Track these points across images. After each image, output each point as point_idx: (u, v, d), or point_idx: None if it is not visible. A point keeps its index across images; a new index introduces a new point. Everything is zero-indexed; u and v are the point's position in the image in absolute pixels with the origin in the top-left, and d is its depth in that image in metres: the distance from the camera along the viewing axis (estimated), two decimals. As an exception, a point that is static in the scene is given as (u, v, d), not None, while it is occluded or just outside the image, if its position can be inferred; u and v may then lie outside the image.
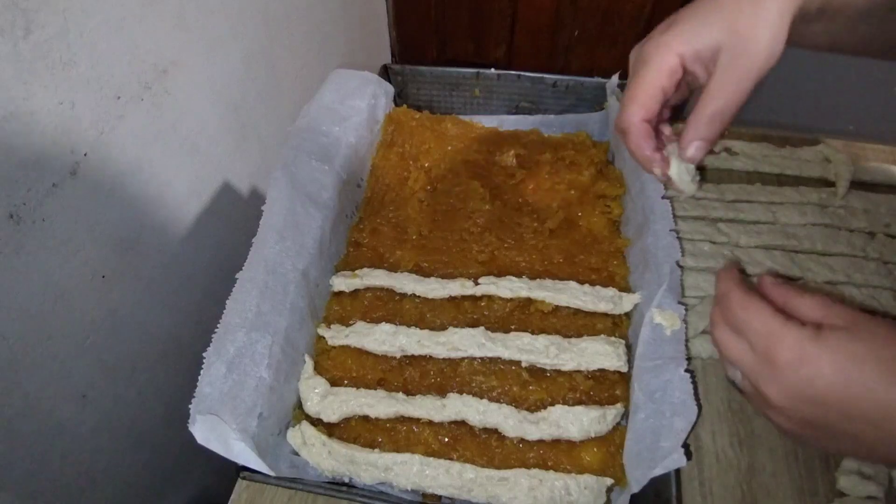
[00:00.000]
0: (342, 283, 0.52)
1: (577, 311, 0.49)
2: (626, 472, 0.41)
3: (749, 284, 0.33)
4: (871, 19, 0.37)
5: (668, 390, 0.39)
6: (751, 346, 0.31)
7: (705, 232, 0.59)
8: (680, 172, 0.39)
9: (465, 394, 0.45)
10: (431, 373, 0.47)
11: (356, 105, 0.59)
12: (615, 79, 0.61)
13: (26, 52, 0.35)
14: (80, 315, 0.45)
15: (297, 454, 0.44)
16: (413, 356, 0.48)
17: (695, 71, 0.36)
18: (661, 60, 0.36)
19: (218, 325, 0.43)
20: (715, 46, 0.35)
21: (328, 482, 0.44)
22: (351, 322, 0.50)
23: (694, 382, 0.40)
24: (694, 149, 0.37)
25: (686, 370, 0.40)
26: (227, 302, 0.44)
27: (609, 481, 0.41)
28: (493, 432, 0.44)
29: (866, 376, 0.27)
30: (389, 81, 0.64)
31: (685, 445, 0.37)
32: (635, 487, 0.38)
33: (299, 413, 0.46)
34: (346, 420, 0.46)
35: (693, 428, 0.37)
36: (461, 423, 0.44)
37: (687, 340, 0.43)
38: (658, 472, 0.37)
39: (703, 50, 0.35)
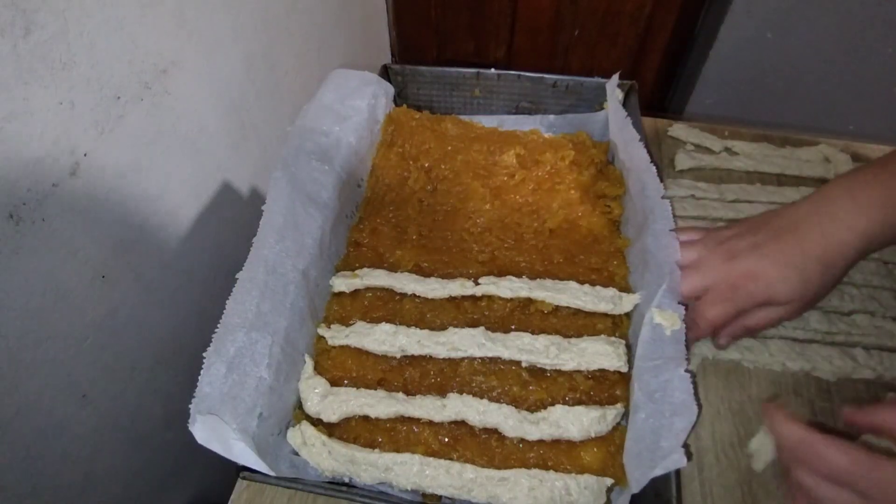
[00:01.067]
0: (342, 283, 0.52)
1: (578, 312, 0.49)
2: (626, 473, 0.40)
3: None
4: None
5: (668, 390, 0.39)
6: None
7: (705, 232, 0.59)
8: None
9: (465, 394, 0.45)
10: (431, 373, 0.47)
11: (356, 105, 0.58)
12: (615, 79, 0.61)
13: (26, 53, 0.35)
14: (79, 315, 0.45)
15: (297, 454, 0.44)
16: (413, 356, 0.48)
17: None
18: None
19: (218, 325, 0.43)
20: None
21: (328, 482, 0.44)
22: (351, 322, 0.50)
23: (694, 382, 0.40)
24: (724, 340, 0.47)
25: (686, 370, 0.40)
26: (227, 302, 0.44)
27: (609, 481, 0.41)
28: (493, 432, 0.44)
29: None
30: (389, 81, 0.64)
31: (685, 446, 0.37)
32: (635, 488, 0.38)
33: (299, 413, 0.46)
34: (346, 420, 0.46)
35: (693, 428, 0.37)
36: (461, 423, 0.44)
37: (688, 341, 0.43)
38: (658, 472, 0.37)
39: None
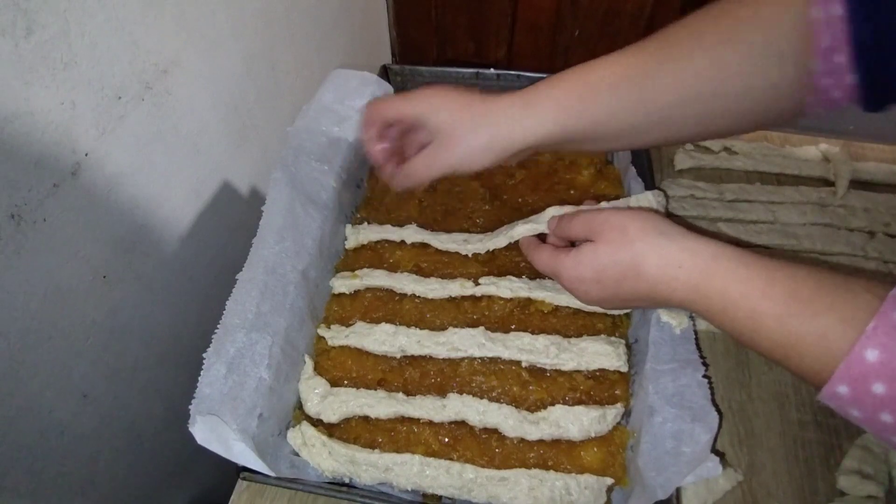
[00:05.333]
0: (342, 284, 0.52)
1: (577, 311, 0.49)
2: (644, 477, 0.39)
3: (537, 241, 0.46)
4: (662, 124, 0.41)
5: (687, 395, 0.39)
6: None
7: (705, 232, 0.59)
8: None
9: (465, 394, 0.45)
10: (431, 373, 0.47)
11: (356, 105, 0.59)
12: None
13: (27, 53, 0.35)
14: (80, 315, 0.45)
15: (297, 454, 0.44)
16: (413, 356, 0.48)
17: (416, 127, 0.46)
18: (398, 105, 0.46)
19: (218, 326, 0.43)
20: (440, 126, 0.43)
21: (328, 482, 0.44)
22: (351, 322, 0.50)
23: (711, 387, 0.40)
24: (397, 182, 0.47)
25: (704, 375, 0.40)
26: (227, 302, 0.44)
27: (609, 481, 0.41)
28: (494, 432, 0.44)
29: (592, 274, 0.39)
30: (389, 82, 0.64)
31: (719, 453, 0.36)
32: (661, 495, 0.37)
33: (299, 413, 0.46)
34: (347, 420, 0.46)
35: (718, 432, 0.37)
36: (461, 424, 0.44)
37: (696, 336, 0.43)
38: (690, 480, 0.37)
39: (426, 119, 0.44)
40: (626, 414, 0.44)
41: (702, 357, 0.42)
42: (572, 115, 0.41)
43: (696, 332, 0.43)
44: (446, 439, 0.44)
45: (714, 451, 0.37)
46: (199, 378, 0.40)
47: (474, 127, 0.42)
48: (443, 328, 0.48)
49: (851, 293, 0.30)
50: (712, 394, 0.39)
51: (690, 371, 0.40)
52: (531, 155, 0.45)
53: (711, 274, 0.34)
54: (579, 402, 0.44)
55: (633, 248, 0.37)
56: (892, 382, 0.27)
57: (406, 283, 0.50)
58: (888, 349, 0.27)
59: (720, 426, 0.37)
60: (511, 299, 0.49)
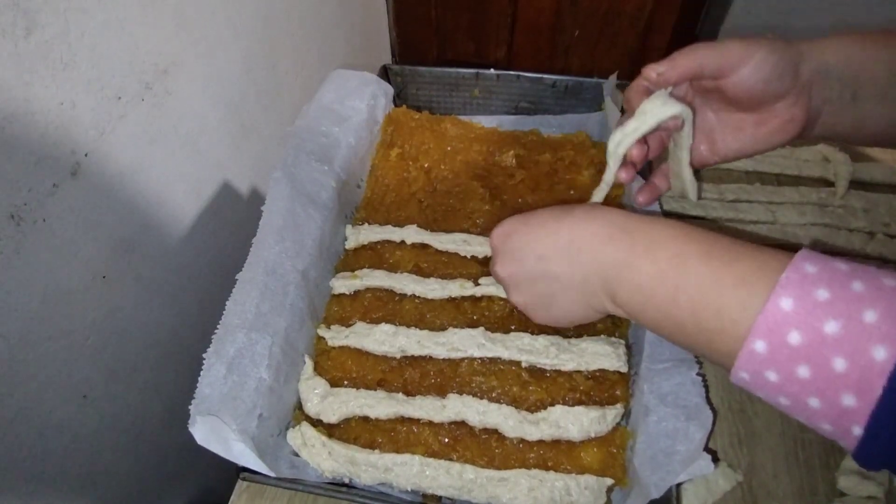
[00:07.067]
0: (342, 285, 0.52)
1: (577, 312, 0.49)
2: (639, 476, 0.39)
3: None
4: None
5: (681, 394, 0.39)
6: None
7: (705, 232, 0.59)
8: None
9: (465, 394, 0.45)
10: (431, 373, 0.47)
11: (356, 105, 0.59)
12: (613, 79, 0.61)
13: (27, 53, 0.36)
14: (80, 315, 0.45)
15: (297, 455, 0.44)
16: (413, 356, 0.48)
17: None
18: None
19: (218, 326, 0.43)
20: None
21: (328, 483, 0.44)
22: (351, 322, 0.50)
23: (706, 385, 0.40)
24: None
25: (698, 373, 0.40)
26: (227, 303, 0.44)
27: (609, 481, 0.41)
28: (494, 433, 0.44)
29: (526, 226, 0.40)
30: (389, 82, 0.64)
31: (710, 451, 0.36)
32: (655, 493, 0.37)
33: (299, 414, 0.46)
34: (346, 421, 0.46)
35: (711, 431, 0.37)
36: (461, 424, 0.44)
37: None
38: (683, 478, 0.37)
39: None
40: (627, 414, 0.44)
41: (697, 357, 0.41)
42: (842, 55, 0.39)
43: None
44: (446, 439, 0.44)
45: (706, 449, 0.37)
46: (199, 378, 0.40)
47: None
48: (443, 328, 0.48)
49: (763, 249, 0.31)
50: (706, 392, 0.39)
51: (685, 370, 0.40)
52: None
53: (637, 219, 0.36)
54: (579, 403, 0.44)
55: (572, 206, 0.40)
56: (807, 330, 0.26)
57: (406, 284, 0.50)
58: (800, 297, 0.27)
59: (714, 424, 0.37)
60: (511, 299, 0.49)
